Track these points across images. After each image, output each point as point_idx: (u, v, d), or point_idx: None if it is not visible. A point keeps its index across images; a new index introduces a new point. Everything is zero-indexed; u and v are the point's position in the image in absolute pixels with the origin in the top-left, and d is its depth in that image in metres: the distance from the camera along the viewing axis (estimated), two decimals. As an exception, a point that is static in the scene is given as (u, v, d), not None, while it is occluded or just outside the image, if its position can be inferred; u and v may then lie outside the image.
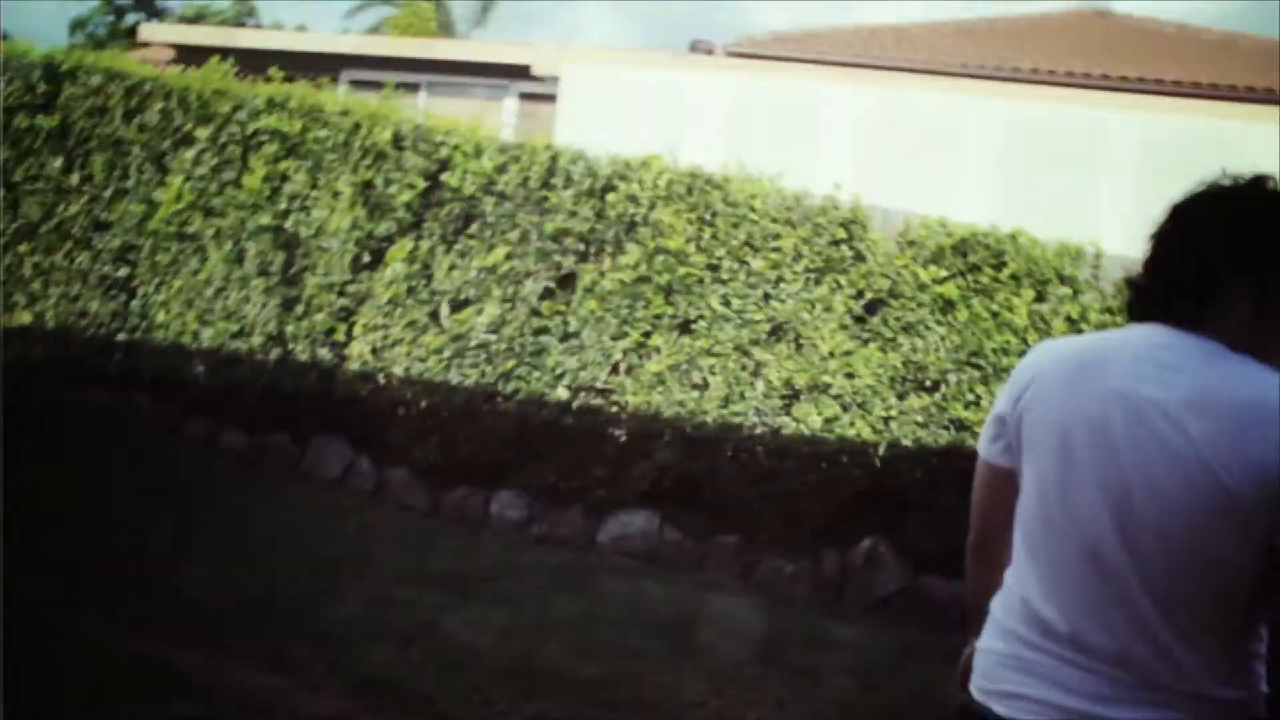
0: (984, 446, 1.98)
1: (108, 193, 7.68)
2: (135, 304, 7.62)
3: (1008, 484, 1.92)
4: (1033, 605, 1.78)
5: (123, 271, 7.65)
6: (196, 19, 27.33)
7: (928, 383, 6.54)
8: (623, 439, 6.78)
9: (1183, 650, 1.64)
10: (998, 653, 1.84)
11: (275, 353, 7.25)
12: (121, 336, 7.64)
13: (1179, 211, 1.81)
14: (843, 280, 6.60)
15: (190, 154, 7.49)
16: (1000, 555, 1.95)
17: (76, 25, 27.37)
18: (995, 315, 6.45)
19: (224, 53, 8.56)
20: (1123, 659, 1.67)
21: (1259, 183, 1.77)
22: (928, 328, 6.50)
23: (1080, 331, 6.22)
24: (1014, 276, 6.49)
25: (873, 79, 10.55)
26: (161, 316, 7.51)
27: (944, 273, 6.54)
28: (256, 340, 7.26)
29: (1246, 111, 10.02)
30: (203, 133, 7.48)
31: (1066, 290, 6.45)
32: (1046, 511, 1.80)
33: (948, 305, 6.51)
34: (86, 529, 5.52)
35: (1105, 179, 9.03)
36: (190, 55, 10.87)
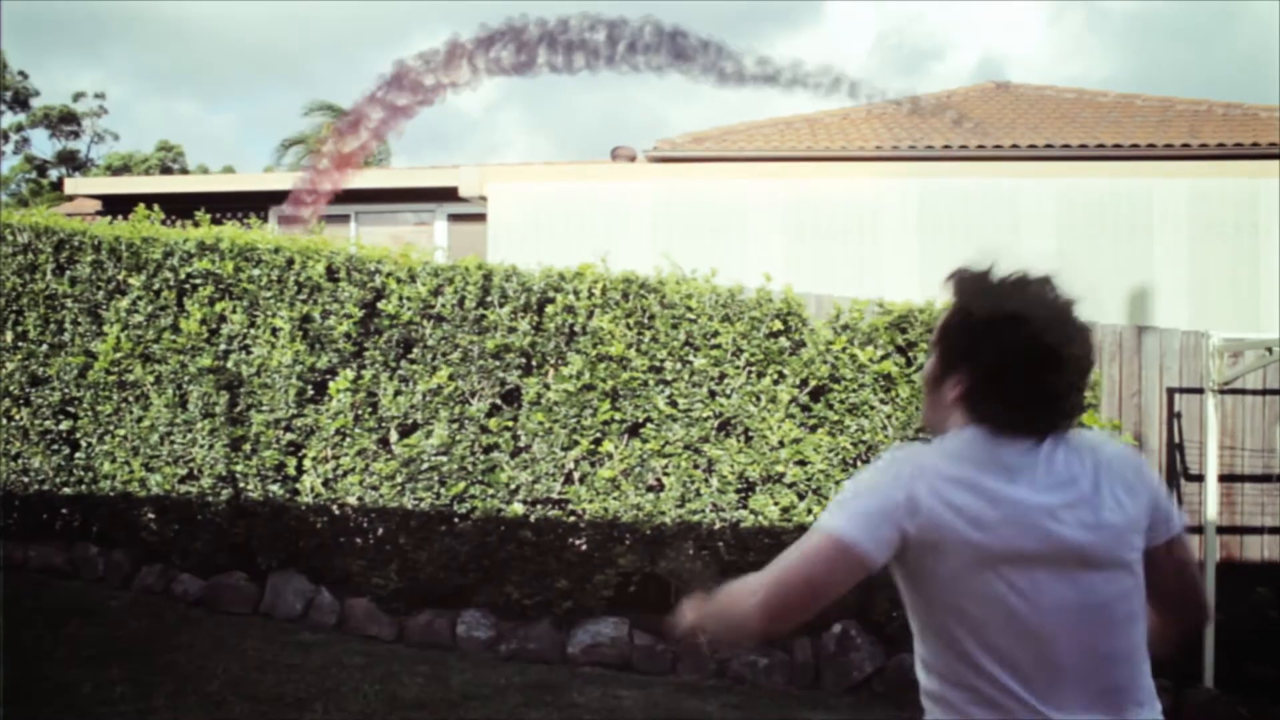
0: (861, 533, 1.91)
1: (43, 348, 7.64)
2: (79, 456, 7.55)
3: (857, 572, 1.92)
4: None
5: (64, 425, 7.59)
6: (122, 169, 27.44)
7: (878, 462, 6.61)
8: (583, 548, 6.78)
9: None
10: None
11: (226, 493, 7.19)
12: (67, 490, 7.55)
13: (1028, 333, 1.89)
14: (785, 370, 6.71)
15: (125, 303, 7.49)
16: (796, 626, 2.04)
17: (-2, 185, 27.38)
18: (936, 389, 6.57)
19: (151, 200, 8.60)
20: None
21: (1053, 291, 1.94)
22: (872, 408, 6.62)
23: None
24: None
25: (792, 170, 10.84)
26: (107, 467, 7.43)
27: (880, 352, 6.67)
28: (206, 482, 7.20)
29: (1151, 168, 10.42)
30: (136, 281, 7.48)
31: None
32: (1025, 628, 1.88)
33: (889, 383, 6.63)
34: (43, 692, 5.39)
35: (1025, 243, 9.27)
36: (117, 205, 10.93)
